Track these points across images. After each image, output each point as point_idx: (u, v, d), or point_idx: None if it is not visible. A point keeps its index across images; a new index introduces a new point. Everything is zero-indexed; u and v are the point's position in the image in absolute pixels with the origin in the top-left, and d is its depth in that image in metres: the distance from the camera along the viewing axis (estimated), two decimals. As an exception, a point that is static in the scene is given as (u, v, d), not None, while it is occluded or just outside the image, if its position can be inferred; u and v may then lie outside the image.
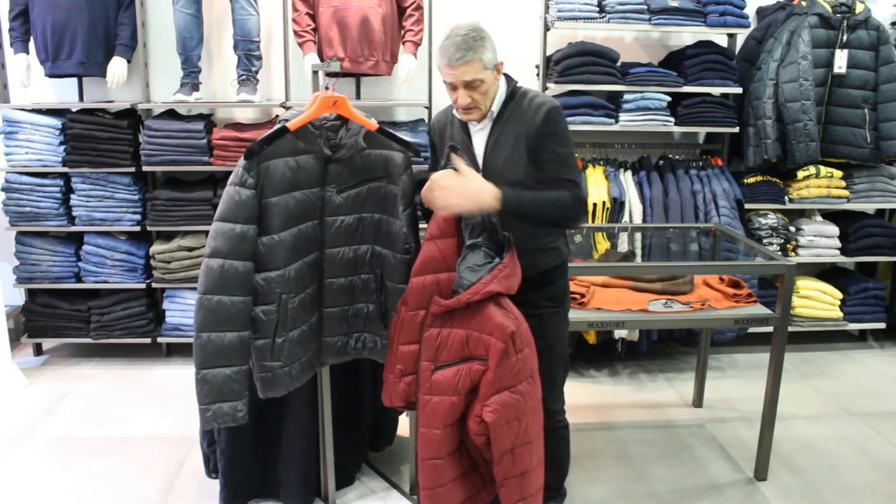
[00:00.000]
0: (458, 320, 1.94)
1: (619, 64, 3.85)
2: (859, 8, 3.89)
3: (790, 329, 3.49)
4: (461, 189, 1.91)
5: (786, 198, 4.06)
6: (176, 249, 3.77)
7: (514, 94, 2.11)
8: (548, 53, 3.90)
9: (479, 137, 2.13)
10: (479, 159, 2.13)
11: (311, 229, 2.17)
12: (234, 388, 2.03)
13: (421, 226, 2.34)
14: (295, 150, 2.09)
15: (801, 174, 4.01)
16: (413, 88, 3.98)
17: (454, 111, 2.15)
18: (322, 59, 3.65)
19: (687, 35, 4.12)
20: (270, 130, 2.06)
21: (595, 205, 3.70)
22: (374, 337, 2.35)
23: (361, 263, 2.26)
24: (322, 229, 2.19)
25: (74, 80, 3.88)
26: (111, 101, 3.83)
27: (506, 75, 2.13)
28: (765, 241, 3.98)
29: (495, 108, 2.09)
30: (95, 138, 3.65)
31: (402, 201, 2.22)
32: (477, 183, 1.92)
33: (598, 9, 3.78)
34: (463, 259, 1.98)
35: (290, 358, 2.16)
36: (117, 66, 3.67)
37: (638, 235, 3.75)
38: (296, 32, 3.69)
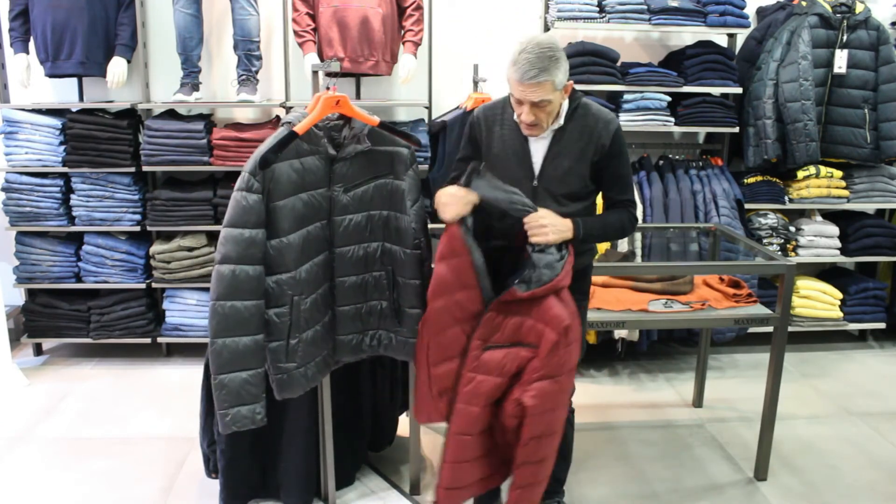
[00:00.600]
0: (518, 307, 2.00)
1: (619, 64, 3.85)
2: (859, 8, 3.89)
3: (790, 329, 3.48)
4: (556, 225, 2.03)
5: (786, 198, 4.06)
6: (176, 249, 3.76)
7: (577, 106, 2.15)
8: (548, 53, 3.89)
9: (540, 145, 2.16)
10: (536, 166, 2.17)
11: (320, 230, 2.17)
12: (251, 392, 2.04)
13: (431, 226, 2.34)
14: (299, 152, 2.09)
15: (801, 174, 4.01)
16: (413, 88, 3.98)
17: (514, 117, 2.14)
18: (322, 59, 3.65)
19: (687, 35, 4.12)
20: (278, 136, 2.04)
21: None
22: (388, 333, 2.35)
23: (372, 261, 2.26)
24: (331, 229, 2.20)
25: (74, 80, 3.88)
26: (111, 101, 3.83)
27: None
28: (765, 241, 3.98)
29: (560, 121, 2.12)
30: (95, 138, 3.65)
31: (410, 196, 2.22)
32: (560, 219, 2.06)
33: (598, 9, 3.78)
34: (537, 260, 2.00)
35: (305, 358, 2.16)
36: (117, 66, 3.67)
37: (638, 235, 3.75)
38: (296, 32, 3.69)
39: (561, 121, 2.13)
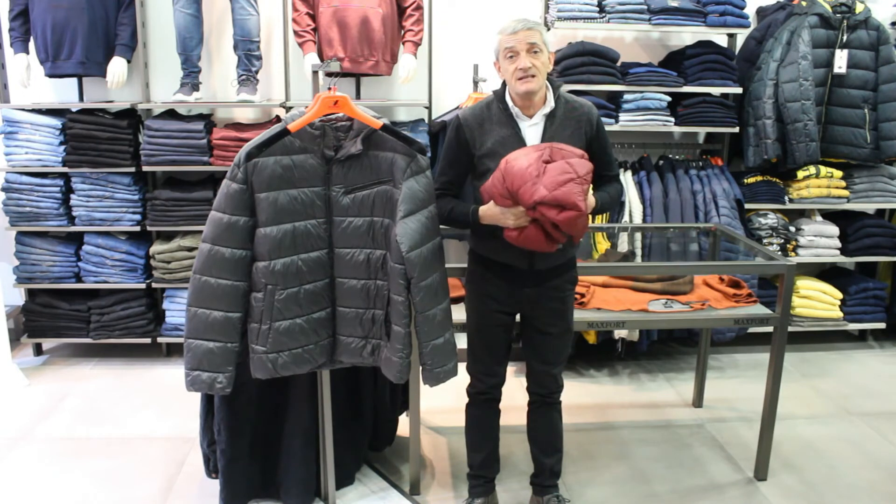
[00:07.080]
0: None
1: (619, 64, 3.85)
2: (859, 8, 3.88)
3: (790, 329, 3.49)
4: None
5: (786, 198, 4.06)
6: (176, 249, 3.77)
7: (559, 95, 2.27)
8: (548, 53, 3.90)
9: (533, 132, 2.24)
10: None
11: (313, 227, 2.17)
12: (213, 361, 2.15)
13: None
14: (288, 150, 2.11)
15: (801, 174, 4.01)
16: (413, 88, 3.97)
17: (510, 76, 2.18)
18: (322, 59, 3.65)
19: (687, 35, 4.12)
20: (269, 132, 2.08)
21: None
22: (384, 346, 2.28)
23: (376, 268, 2.23)
24: (330, 229, 2.20)
25: (74, 80, 3.88)
26: (111, 101, 3.83)
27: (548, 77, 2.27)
28: (765, 241, 3.98)
29: (550, 104, 2.23)
30: (95, 138, 3.65)
31: (402, 206, 2.13)
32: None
33: (598, 9, 3.78)
34: None
35: (276, 346, 2.19)
36: (117, 66, 3.67)
37: (638, 235, 3.75)
38: (296, 32, 3.69)
39: (552, 103, 2.23)
